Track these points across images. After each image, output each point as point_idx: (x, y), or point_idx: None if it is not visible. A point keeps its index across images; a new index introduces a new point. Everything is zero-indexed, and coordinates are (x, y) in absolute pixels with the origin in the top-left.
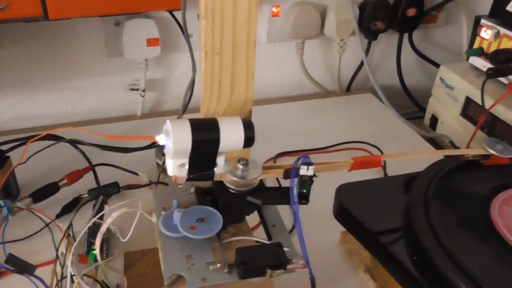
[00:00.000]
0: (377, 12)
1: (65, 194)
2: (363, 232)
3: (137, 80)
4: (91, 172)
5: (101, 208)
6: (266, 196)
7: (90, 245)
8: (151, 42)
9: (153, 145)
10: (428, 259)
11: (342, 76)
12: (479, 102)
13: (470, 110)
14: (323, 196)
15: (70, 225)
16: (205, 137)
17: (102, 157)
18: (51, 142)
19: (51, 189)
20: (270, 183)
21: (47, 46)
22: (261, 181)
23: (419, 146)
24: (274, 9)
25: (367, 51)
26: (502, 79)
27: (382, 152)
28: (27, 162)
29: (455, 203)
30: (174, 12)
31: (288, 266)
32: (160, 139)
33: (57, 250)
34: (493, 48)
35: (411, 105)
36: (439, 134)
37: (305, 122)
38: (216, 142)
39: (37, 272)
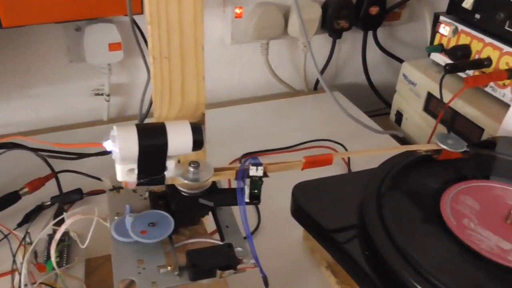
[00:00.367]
0: (340, 11)
1: (27, 203)
2: (318, 230)
3: (102, 85)
4: (54, 180)
5: (59, 216)
6: (218, 197)
7: (50, 253)
8: (113, 46)
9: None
10: (380, 256)
11: (309, 75)
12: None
13: (431, 105)
14: (289, 194)
15: (26, 233)
16: (152, 142)
17: (66, 164)
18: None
19: (11, 198)
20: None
21: (7, 54)
22: (214, 183)
23: (383, 143)
24: (237, 10)
25: (332, 50)
26: (462, 74)
27: (346, 149)
28: None
29: (407, 198)
30: (134, 17)
31: (239, 266)
32: (107, 145)
33: (14, 259)
34: (452, 44)
35: (379, 102)
36: (389, 132)
37: (273, 122)
38: (164, 146)
39: None
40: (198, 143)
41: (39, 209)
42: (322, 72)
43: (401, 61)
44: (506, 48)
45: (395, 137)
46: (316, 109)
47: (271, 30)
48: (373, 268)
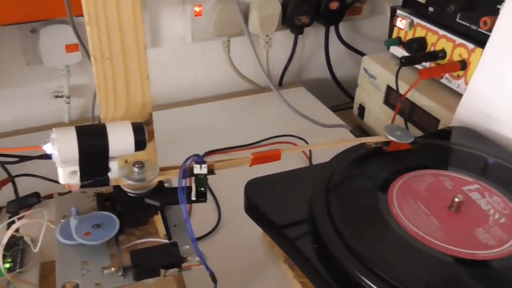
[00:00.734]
0: (300, 6)
1: None
2: (270, 226)
3: (61, 87)
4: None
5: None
6: (164, 197)
7: (4, 258)
8: (70, 48)
9: None
10: (327, 250)
11: (273, 72)
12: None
13: (391, 98)
14: None
15: None
16: (93, 143)
17: (24, 168)
18: None
19: None
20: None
21: None
22: (161, 182)
23: (345, 137)
24: (196, 9)
25: (294, 46)
26: (419, 67)
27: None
28: None
29: (356, 191)
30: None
31: (184, 264)
32: (47, 148)
33: None
34: (409, 37)
35: (344, 96)
36: (336, 124)
37: (238, 119)
38: (105, 147)
39: None
40: (140, 143)
41: None
42: (285, 68)
43: (363, 55)
44: (458, 40)
45: (360, 129)
46: (281, 105)
47: (232, 27)
48: (321, 262)
